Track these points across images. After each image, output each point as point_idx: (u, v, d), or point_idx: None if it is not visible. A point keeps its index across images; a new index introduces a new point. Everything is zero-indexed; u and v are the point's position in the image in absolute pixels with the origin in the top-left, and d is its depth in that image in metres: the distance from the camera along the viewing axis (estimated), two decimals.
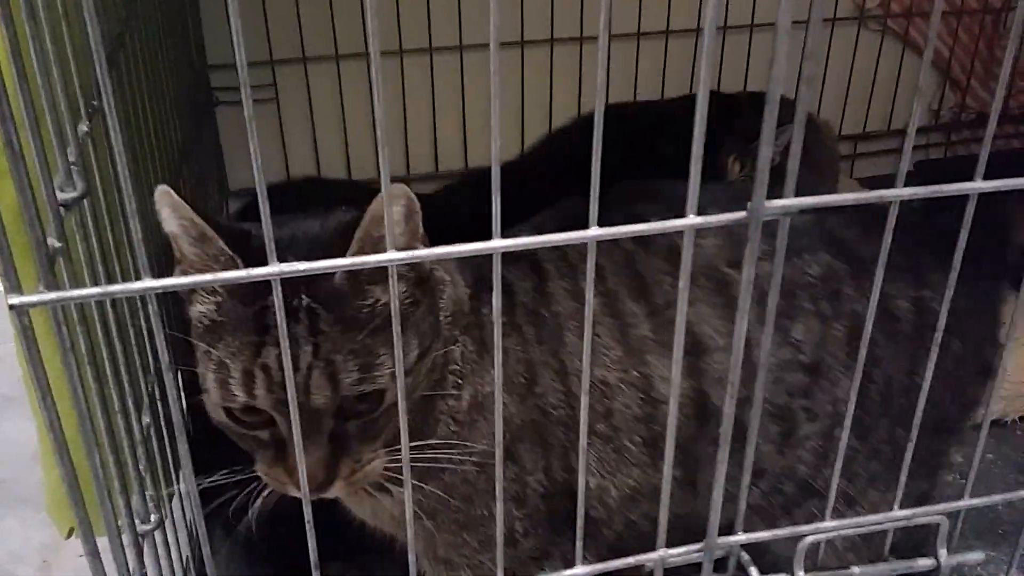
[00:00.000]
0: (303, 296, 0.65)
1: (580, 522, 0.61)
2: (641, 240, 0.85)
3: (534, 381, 0.81)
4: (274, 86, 1.69)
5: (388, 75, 1.71)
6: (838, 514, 0.89)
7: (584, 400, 0.57)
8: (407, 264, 0.69)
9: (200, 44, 1.55)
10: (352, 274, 0.67)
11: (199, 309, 0.68)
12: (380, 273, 0.66)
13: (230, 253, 0.65)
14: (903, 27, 1.90)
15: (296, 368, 0.64)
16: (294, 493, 0.69)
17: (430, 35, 1.70)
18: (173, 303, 0.77)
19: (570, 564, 0.86)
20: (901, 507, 0.66)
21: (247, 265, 0.58)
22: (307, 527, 0.58)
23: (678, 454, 0.85)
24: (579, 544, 0.62)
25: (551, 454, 0.82)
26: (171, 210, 0.65)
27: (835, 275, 0.85)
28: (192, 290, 0.69)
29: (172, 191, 0.64)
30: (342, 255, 0.62)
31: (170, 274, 0.67)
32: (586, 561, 0.84)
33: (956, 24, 1.92)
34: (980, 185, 0.54)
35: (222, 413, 0.69)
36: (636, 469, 0.85)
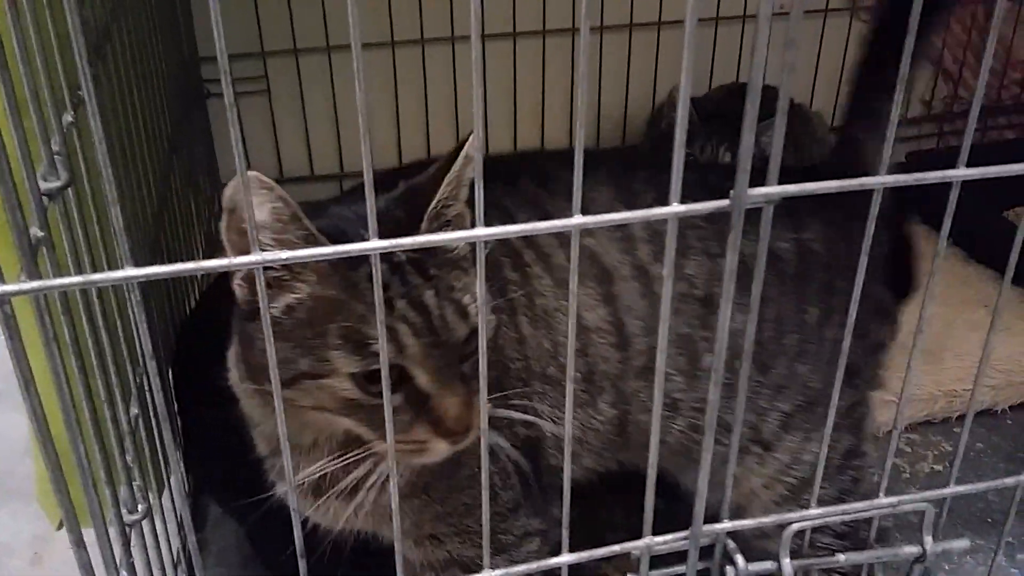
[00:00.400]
0: (398, 252, 0.67)
1: (566, 508, 0.61)
2: (541, 181, 0.92)
3: (495, 331, 0.83)
4: (265, 77, 1.69)
5: (381, 66, 1.71)
6: (757, 459, 0.96)
7: (569, 387, 0.57)
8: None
9: (191, 36, 1.54)
10: (435, 223, 0.69)
11: (293, 297, 0.67)
12: (456, 221, 0.71)
13: (314, 231, 0.64)
14: None
15: (429, 311, 0.67)
16: (437, 449, 0.68)
17: (422, 26, 1.69)
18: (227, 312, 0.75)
19: (539, 512, 0.88)
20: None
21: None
22: (293, 515, 0.58)
23: (611, 391, 0.91)
24: (565, 533, 0.62)
25: (513, 409, 0.83)
26: (268, 192, 0.62)
27: (720, 218, 0.90)
28: (275, 284, 0.67)
29: (262, 175, 0.62)
30: (426, 206, 0.68)
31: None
32: (549, 512, 0.88)
33: (948, 16, 1.91)
34: (963, 172, 0.54)
35: (353, 390, 0.67)
36: (579, 410, 0.88)
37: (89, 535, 0.55)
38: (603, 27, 1.76)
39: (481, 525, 0.85)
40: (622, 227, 0.89)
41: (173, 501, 0.91)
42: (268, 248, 0.63)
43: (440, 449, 0.69)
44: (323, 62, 1.68)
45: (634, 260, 0.89)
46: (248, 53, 1.65)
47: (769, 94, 0.49)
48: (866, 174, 0.51)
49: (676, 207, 0.52)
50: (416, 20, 1.68)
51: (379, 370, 0.65)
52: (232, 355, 0.78)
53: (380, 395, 0.65)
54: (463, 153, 0.68)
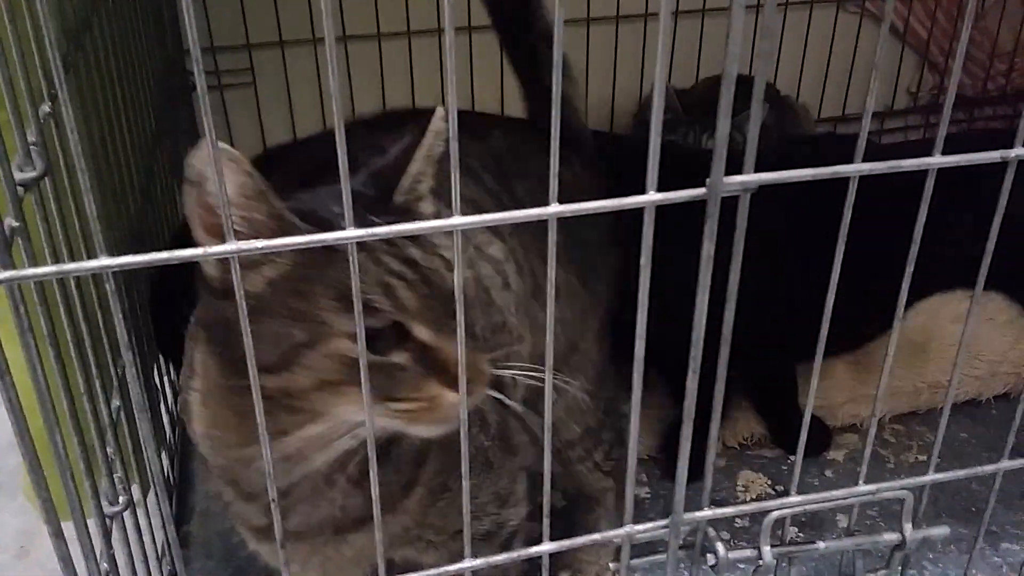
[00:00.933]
0: (374, 217, 0.65)
1: (546, 499, 0.61)
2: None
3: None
4: (251, 70, 1.68)
5: (366, 58, 1.70)
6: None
7: (548, 377, 0.57)
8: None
9: (175, 28, 1.54)
10: (408, 196, 0.71)
11: (273, 271, 0.64)
12: (424, 194, 0.72)
13: (283, 210, 0.62)
14: (881, 9, 1.91)
15: (418, 264, 0.65)
16: (449, 404, 0.65)
17: (408, 19, 1.69)
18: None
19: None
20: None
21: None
22: (272, 507, 0.58)
23: (525, 319, 0.95)
24: (546, 521, 0.62)
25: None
26: (234, 164, 0.59)
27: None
28: (248, 263, 0.63)
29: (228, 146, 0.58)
30: (397, 181, 0.69)
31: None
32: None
33: (934, 6, 1.92)
34: (938, 160, 0.54)
35: (355, 348, 0.62)
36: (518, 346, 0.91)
37: (70, 528, 0.55)
38: (589, 19, 1.75)
39: (492, 496, 0.86)
40: (475, 175, 0.96)
41: (155, 492, 0.91)
42: (238, 229, 0.60)
43: (452, 403, 0.64)
44: (309, 54, 1.67)
45: (483, 187, 0.96)
46: (233, 45, 1.64)
47: (749, 84, 0.50)
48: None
49: (653, 195, 0.52)
50: (402, 12, 1.68)
51: (381, 329, 0.63)
52: (198, 381, 0.72)
53: (383, 353, 0.64)
54: (433, 129, 0.68)
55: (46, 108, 0.67)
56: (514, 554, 0.63)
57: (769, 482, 1.28)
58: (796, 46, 1.84)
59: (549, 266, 0.54)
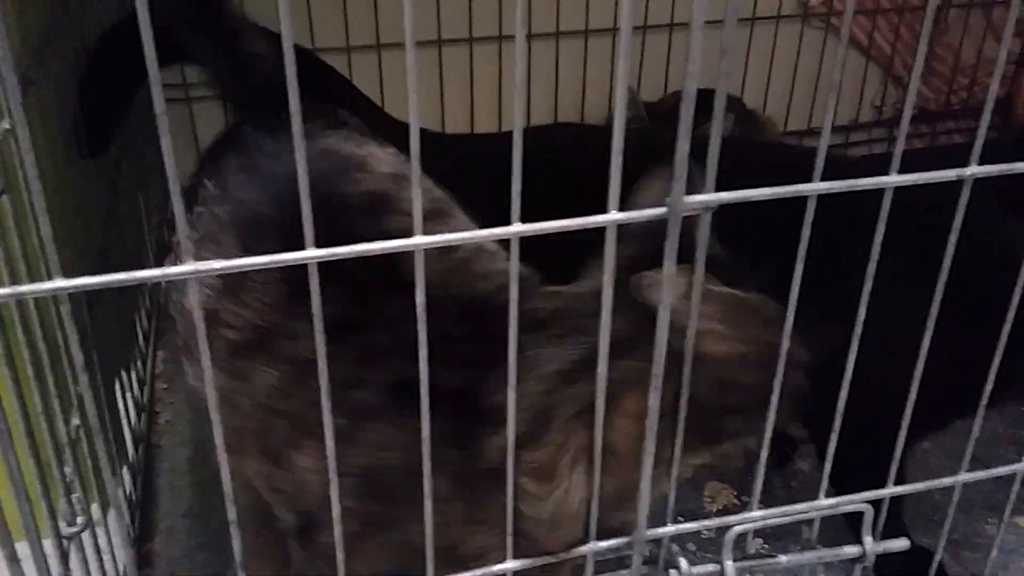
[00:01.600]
0: None
1: (510, 517, 0.61)
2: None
3: None
4: None
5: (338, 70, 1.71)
6: None
7: (512, 392, 0.57)
8: None
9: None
10: None
11: None
12: None
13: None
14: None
15: None
16: None
17: (377, 31, 1.69)
18: None
19: None
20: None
21: None
22: (233, 527, 0.57)
23: None
24: (509, 540, 0.62)
25: None
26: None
27: None
28: None
29: None
30: None
31: None
32: None
33: (898, 21, 1.95)
34: (896, 179, 0.55)
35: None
36: None
37: (25, 549, 0.54)
38: (559, 32, 1.76)
39: None
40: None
41: (114, 514, 0.90)
42: None
43: None
44: None
45: None
46: None
47: (712, 99, 0.50)
48: None
49: (614, 215, 0.52)
50: (371, 25, 1.68)
51: None
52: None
53: None
54: None
55: (5, 125, 0.66)
56: (478, 572, 0.63)
57: (735, 492, 1.29)
58: (762, 60, 1.86)
59: (512, 287, 0.54)
